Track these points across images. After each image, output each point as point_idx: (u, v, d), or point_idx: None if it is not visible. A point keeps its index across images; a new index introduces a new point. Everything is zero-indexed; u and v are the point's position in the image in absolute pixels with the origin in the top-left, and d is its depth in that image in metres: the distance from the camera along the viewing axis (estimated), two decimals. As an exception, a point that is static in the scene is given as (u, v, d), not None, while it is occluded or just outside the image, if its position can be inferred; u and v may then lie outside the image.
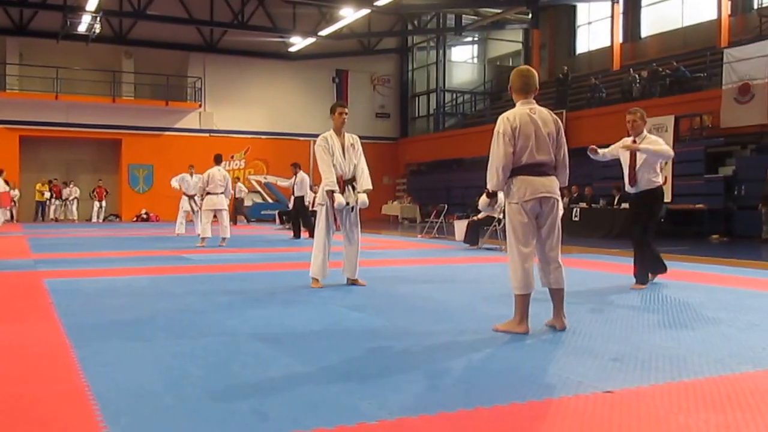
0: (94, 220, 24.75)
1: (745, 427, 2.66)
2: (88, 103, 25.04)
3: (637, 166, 6.70)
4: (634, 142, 6.76)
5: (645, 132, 6.86)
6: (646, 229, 6.81)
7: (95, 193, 25.13)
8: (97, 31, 22.90)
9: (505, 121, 4.44)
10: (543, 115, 4.52)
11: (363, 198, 6.69)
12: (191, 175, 15.21)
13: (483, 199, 4.79)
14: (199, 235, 12.58)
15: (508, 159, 4.39)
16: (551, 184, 4.47)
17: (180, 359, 3.69)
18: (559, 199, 4.53)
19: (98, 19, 22.03)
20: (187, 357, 3.75)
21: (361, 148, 6.90)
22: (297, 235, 15.17)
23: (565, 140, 4.62)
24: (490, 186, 4.55)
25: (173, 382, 3.23)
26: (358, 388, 3.14)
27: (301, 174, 15.45)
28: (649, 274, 6.94)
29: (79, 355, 3.69)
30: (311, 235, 15.05)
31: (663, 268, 7.06)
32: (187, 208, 15.23)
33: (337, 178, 6.55)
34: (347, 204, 6.59)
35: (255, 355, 3.84)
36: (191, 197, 14.98)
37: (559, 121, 4.64)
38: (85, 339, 4.14)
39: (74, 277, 7.51)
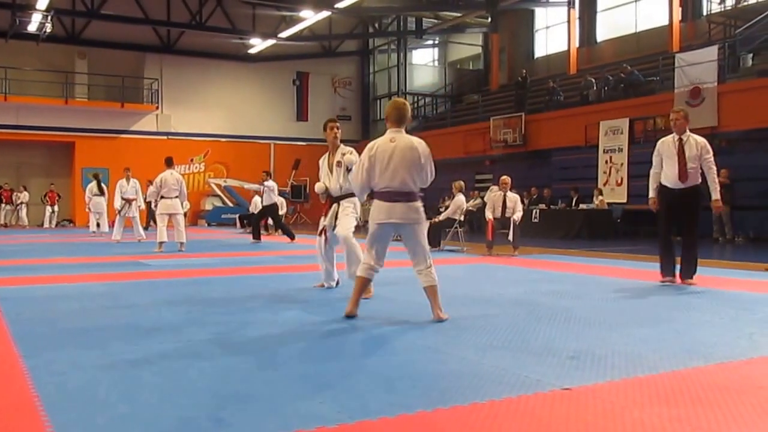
0: (46, 225, 24.17)
1: (696, 420, 2.71)
2: (40, 104, 24.47)
3: (687, 161, 6.89)
4: (680, 140, 6.96)
5: (688, 130, 7.04)
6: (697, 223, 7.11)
7: (47, 197, 24.51)
8: (49, 30, 22.42)
9: (367, 149, 4.97)
10: (404, 143, 4.90)
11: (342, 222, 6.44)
12: (127, 179, 15.32)
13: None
14: (139, 240, 12.58)
15: (364, 183, 5.04)
16: (404, 211, 4.89)
17: (135, 367, 3.62)
18: (417, 221, 4.94)
19: (49, 18, 21.58)
20: (143, 364, 3.67)
21: (352, 160, 6.32)
22: (257, 239, 15.07)
23: (429, 164, 4.97)
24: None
25: (128, 391, 3.16)
26: (318, 392, 3.11)
27: (271, 182, 15.33)
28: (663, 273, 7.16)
29: (28, 365, 3.59)
30: (291, 237, 15.06)
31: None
32: (125, 213, 15.21)
33: (327, 196, 6.61)
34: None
35: (213, 361, 3.78)
36: (128, 201, 15.20)
37: (423, 146, 4.94)
38: (35, 348, 4.03)
39: (25, 284, 7.31)
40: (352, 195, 6.40)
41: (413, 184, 4.89)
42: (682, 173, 6.91)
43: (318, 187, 6.61)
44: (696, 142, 6.98)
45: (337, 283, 6.85)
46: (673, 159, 6.96)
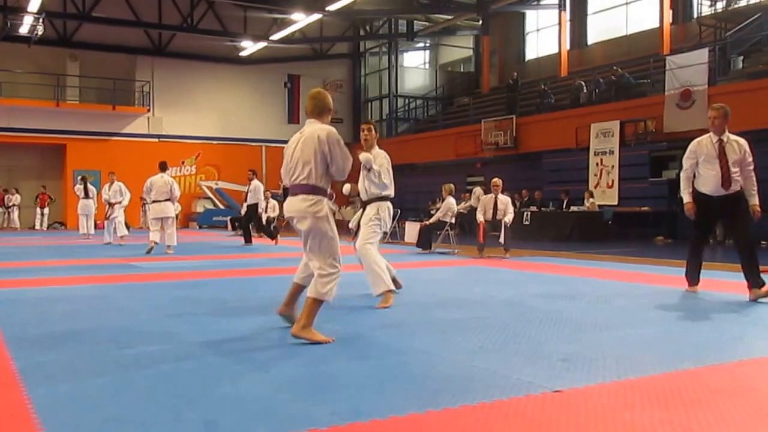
0: (38, 227, 24.07)
1: (687, 422, 2.73)
2: (31, 107, 24.34)
3: (730, 166, 6.20)
4: (720, 142, 6.26)
5: (728, 131, 6.34)
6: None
7: (38, 199, 24.43)
8: (40, 32, 22.30)
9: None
10: (309, 134, 4.46)
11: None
12: (110, 183, 15.43)
13: None
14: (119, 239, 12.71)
15: (283, 181, 4.74)
16: (297, 204, 4.45)
17: (126, 369, 3.61)
18: (309, 215, 4.39)
19: (41, 20, 21.46)
20: (134, 367, 3.67)
21: (379, 160, 6.13)
22: (248, 241, 15.06)
23: (338, 152, 4.44)
24: None
25: (119, 393, 3.16)
26: (309, 395, 3.12)
27: (255, 182, 15.35)
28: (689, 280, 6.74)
29: (19, 367, 3.58)
30: (272, 238, 15.09)
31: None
32: (109, 215, 15.28)
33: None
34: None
35: (204, 363, 3.78)
36: (110, 204, 15.30)
37: (329, 133, 4.44)
38: (26, 350, 4.03)
39: (16, 287, 7.29)
40: (380, 199, 6.17)
41: (314, 177, 4.40)
42: (725, 180, 6.18)
43: (344, 188, 6.40)
44: (738, 144, 6.26)
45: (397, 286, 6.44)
46: (713, 163, 6.22)
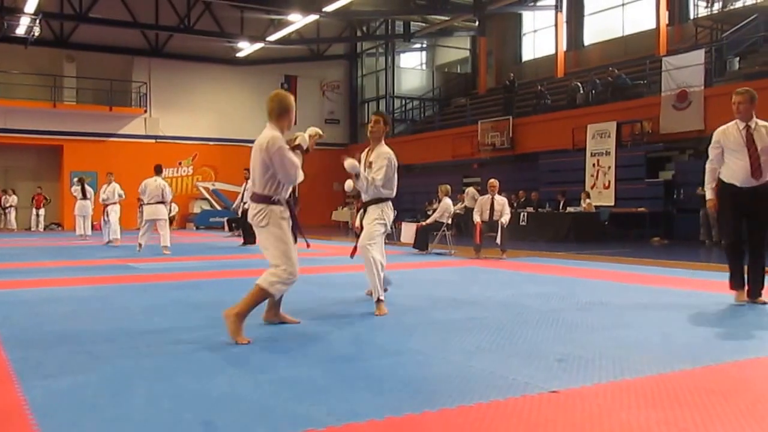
0: (34, 228, 24.03)
1: (683, 422, 2.74)
2: (28, 108, 24.30)
3: (760, 153, 5.69)
4: (747, 128, 5.76)
5: (755, 116, 5.84)
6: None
7: (34, 200, 24.41)
8: (37, 33, 22.29)
9: None
10: (257, 141, 4.55)
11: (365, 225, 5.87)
12: (108, 183, 15.62)
13: None
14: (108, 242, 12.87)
15: None
16: (250, 212, 4.57)
17: (124, 370, 3.62)
18: (256, 224, 4.53)
19: (37, 21, 21.45)
20: (132, 367, 3.67)
21: (379, 162, 5.78)
22: (246, 242, 15.04)
23: (278, 159, 4.39)
24: None
25: (117, 394, 3.16)
26: (306, 396, 3.12)
27: (251, 181, 15.34)
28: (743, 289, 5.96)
29: (16, 368, 3.58)
30: (246, 243, 15.05)
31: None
32: (108, 216, 15.37)
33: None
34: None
35: (201, 364, 3.78)
36: (107, 205, 15.40)
37: (271, 140, 4.43)
38: (24, 351, 4.03)
39: (13, 288, 7.28)
40: (382, 200, 5.80)
41: (258, 184, 4.47)
42: (755, 168, 5.69)
43: (346, 185, 6.05)
44: (767, 129, 5.77)
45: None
46: (742, 152, 5.73)
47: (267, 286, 4.35)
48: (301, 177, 4.52)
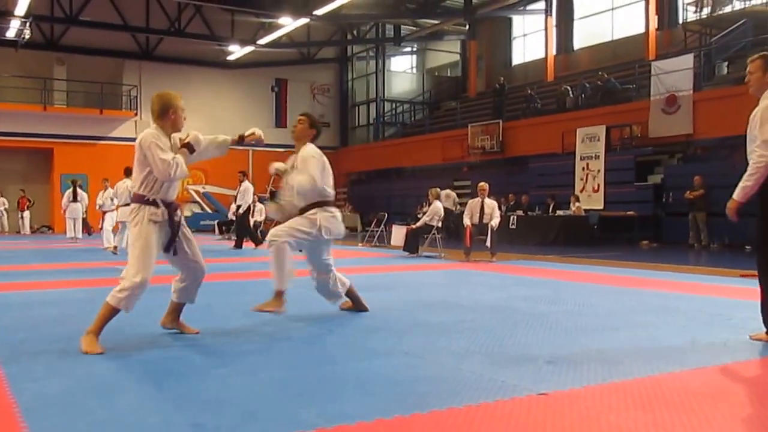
0: (21, 231, 23.91)
1: (671, 424, 2.76)
2: (18, 111, 24.20)
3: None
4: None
5: None
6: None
7: (18, 203, 24.28)
8: (27, 36, 22.23)
9: None
10: (137, 138, 4.48)
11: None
12: (104, 189, 15.65)
13: None
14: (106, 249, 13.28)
15: None
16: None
17: (114, 372, 3.62)
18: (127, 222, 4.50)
19: (28, 24, 21.39)
20: (121, 370, 3.67)
21: (302, 165, 5.43)
22: (239, 245, 15.04)
23: (151, 155, 4.31)
24: None
25: (107, 397, 3.16)
26: (296, 397, 3.13)
27: (246, 183, 15.33)
28: None
29: (6, 372, 3.57)
30: (257, 243, 15.03)
31: None
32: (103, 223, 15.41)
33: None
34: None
35: (191, 366, 3.78)
36: (104, 212, 15.34)
37: (144, 136, 4.39)
38: (13, 354, 4.01)
39: (2, 291, 7.25)
40: (317, 205, 5.37)
41: (137, 184, 4.39)
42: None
43: (271, 167, 5.75)
44: (763, 111, 4.32)
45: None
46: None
47: (115, 303, 4.20)
48: (179, 174, 4.39)
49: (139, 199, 4.36)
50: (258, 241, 15.27)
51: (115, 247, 12.77)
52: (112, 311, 4.22)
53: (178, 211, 4.56)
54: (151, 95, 4.79)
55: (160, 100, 4.54)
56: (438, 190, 13.11)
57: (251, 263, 11.35)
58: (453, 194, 19.99)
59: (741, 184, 4.41)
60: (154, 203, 4.36)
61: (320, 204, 5.38)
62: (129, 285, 4.21)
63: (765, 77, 4.38)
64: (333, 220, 5.44)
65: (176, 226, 4.50)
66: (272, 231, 5.31)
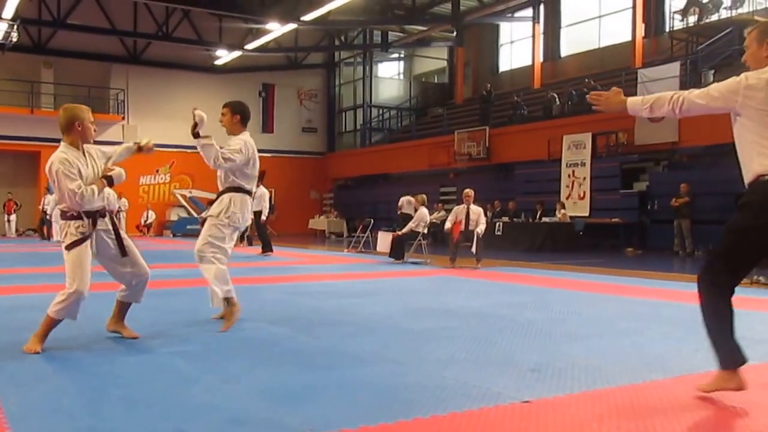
0: (7, 234, 23.75)
1: (653, 432, 2.79)
2: (5, 114, 24.06)
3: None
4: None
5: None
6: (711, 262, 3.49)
7: (5, 207, 24.13)
8: (14, 39, 22.09)
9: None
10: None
11: None
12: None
13: None
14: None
15: None
16: None
17: (99, 378, 3.61)
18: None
19: (15, 27, 21.25)
20: (107, 376, 3.66)
21: (232, 147, 5.54)
22: (269, 249, 14.58)
23: (56, 182, 4.37)
24: None
25: (92, 402, 3.15)
26: (281, 405, 3.14)
27: (261, 188, 15.01)
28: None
29: (-10, 377, 3.56)
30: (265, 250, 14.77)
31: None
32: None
33: None
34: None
35: (177, 373, 3.78)
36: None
37: (51, 167, 4.41)
38: (-3, 360, 4.00)
39: (-14, 295, 7.20)
40: (233, 190, 5.50)
41: (60, 201, 4.43)
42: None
43: (197, 113, 5.68)
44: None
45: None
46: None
47: (54, 315, 4.32)
48: (86, 204, 4.33)
49: (63, 216, 4.41)
50: (269, 248, 14.82)
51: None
52: (53, 322, 4.33)
53: (105, 218, 4.53)
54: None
55: (65, 114, 4.53)
56: (424, 197, 13.14)
57: (240, 269, 11.31)
58: (413, 200, 20.03)
59: (641, 102, 3.48)
60: (78, 217, 4.39)
61: (235, 190, 5.48)
62: (65, 296, 4.33)
63: (760, 51, 3.37)
64: (244, 212, 5.50)
65: (119, 233, 4.60)
66: (196, 247, 5.41)
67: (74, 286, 4.34)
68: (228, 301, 5.27)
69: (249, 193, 5.56)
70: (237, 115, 5.64)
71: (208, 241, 5.31)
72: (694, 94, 3.33)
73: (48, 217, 16.96)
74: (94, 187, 4.36)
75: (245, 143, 5.47)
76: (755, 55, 3.40)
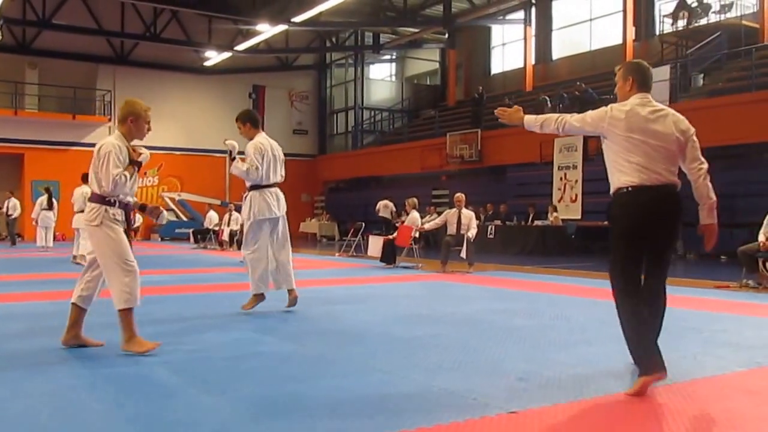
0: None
1: (642, 446, 2.74)
2: (-12, 115, 23.92)
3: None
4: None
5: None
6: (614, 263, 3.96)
7: None
8: (-2, 39, 21.95)
9: None
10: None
11: None
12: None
13: None
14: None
15: None
16: None
17: (79, 391, 3.53)
18: (86, 225, 4.57)
19: (-1, 27, 21.11)
20: (87, 389, 3.59)
21: (246, 151, 6.59)
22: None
23: (96, 164, 4.48)
24: None
25: (70, 417, 3.08)
26: (266, 416, 3.08)
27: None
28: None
29: (-33, 390, 3.47)
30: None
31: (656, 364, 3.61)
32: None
33: None
34: None
35: (160, 385, 3.71)
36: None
37: (101, 147, 4.51)
38: (-25, 371, 3.91)
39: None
40: (250, 189, 6.47)
41: (96, 185, 4.50)
42: None
43: (229, 142, 6.91)
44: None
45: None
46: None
47: (125, 305, 4.37)
48: (120, 190, 4.44)
49: (96, 199, 4.47)
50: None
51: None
52: (129, 313, 4.40)
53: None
54: (126, 100, 4.80)
55: (122, 108, 4.72)
56: (415, 200, 13.08)
57: (225, 274, 11.24)
58: (390, 204, 20.05)
59: (535, 120, 4.43)
60: (114, 204, 4.48)
61: (253, 188, 6.39)
62: (129, 282, 4.38)
63: (624, 86, 4.02)
64: (261, 203, 6.39)
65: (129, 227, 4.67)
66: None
67: (127, 270, 4.42)
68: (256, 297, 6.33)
69: (268, 186, 6.41)
70: (247, 123, 6.57)
71: (244, 244, 6.53)
72: (574, 118, 4.11)
73: (35, 223, 16.77)
74: (126, 173, 4.48)
75: (255, 146, 6.37)
76: (621, 89, 4.10)
